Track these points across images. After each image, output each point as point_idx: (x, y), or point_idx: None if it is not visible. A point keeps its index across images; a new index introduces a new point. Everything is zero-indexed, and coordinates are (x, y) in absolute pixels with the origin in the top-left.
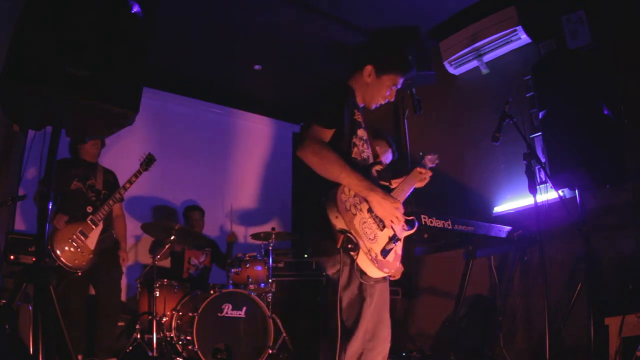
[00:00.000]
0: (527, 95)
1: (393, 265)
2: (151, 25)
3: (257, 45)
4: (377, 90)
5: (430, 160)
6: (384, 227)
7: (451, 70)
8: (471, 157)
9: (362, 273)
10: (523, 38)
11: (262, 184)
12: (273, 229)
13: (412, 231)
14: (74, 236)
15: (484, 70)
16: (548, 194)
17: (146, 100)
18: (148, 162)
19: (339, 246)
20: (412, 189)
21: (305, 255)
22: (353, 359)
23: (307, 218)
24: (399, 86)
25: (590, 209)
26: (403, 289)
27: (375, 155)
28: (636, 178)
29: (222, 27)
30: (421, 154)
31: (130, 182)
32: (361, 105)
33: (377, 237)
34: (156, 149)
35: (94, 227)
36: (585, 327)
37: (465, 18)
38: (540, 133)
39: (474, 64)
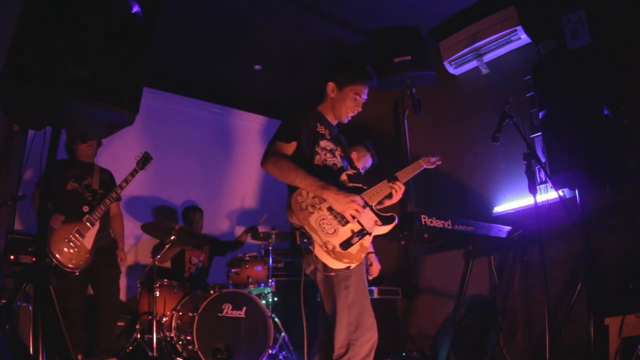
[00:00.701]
0: (527, 95)
1: (356, 257)
2: (151, 25)
3: (257, 45)
4: (343, 103)
5: (426, 161)
6: (346, 222)
7: (451, 70)
8: (471, 157)
9: (323, 265)
10: (523, 38)
11: (262, 183)
12: (273, 228)
13: (389, 227)
14: (71, 236)
15: (484, 70)
16: (548, 194)
17: (146, 100)
18: (144, 160)
19: (298, 242)
20: (387, 194)
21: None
22: (341, 351)
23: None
24: (365, 96)
25: (590, 209)
26: (403, 289)
27: (350, 163)
28: (636, 178)
29: (222, 27)
30: (418, 157)
31: (126, 180)
32: (335, 122)
33: (338, 231)
34: (156, 149)
35: (90, 226)
36: (585, 327)
37: (465, 18)
38: (540, 133)
39: (474, 64)
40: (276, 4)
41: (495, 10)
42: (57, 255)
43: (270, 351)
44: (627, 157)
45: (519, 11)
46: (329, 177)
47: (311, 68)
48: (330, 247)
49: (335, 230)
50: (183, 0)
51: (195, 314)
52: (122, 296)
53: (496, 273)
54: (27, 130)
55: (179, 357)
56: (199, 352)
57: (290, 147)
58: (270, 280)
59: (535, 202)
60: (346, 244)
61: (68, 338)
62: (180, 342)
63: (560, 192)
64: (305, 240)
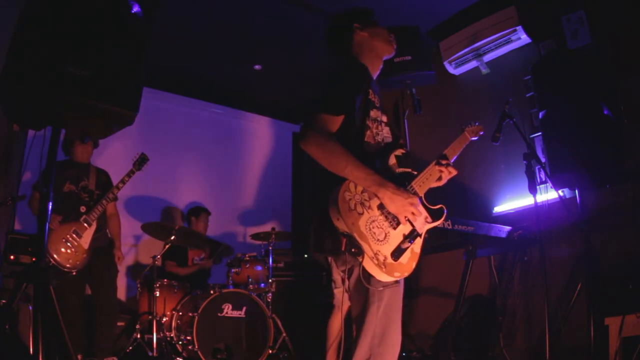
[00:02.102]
0: (527, 95)
1: (407, 268)
2: (151, 25)
3: (257, 45)
4: (377, 35)
5: (471, 131)
6: (398, 224)
7: (451, 70)
8: (471, 157)
9: (370, 277)
10: (523, 38)
11: (262, 184)
12: (273, 229)
13: (437, 223)
14: (68, 236)
15: (484, 70)
16: (548, 194)
17: (146, 100)
18: (141, 161)
19: (343, 249)
20: (436, 178)
21: (306, 255)
22: None
23: (315, 215)
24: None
25: (590, 209)
26: (403, 289)
27: (396, 137)
28: (636, 178)
29: (222, 27)
30: (462, 127)
31: (122, 181)
32: (376, 76)
33: (389, 236)
34: (156, 149)
35: (87, 226)
36: (585, 327)
37: (465, 18)
38: (540, 133)
39: (474, 64)
40: (276, 3)
41: (495, 10)
42: (55, 256)
43: (270, 351)
44: (627, 157)
45: (519, 11)
46: (379, 160)
47: (311, 68)
48: (381, 258)
49: (385, 236)
50: (183, 0)
51: (195, 314)
52: (122, 296)
53: (496, 273)
54: (27, 130)
55: (179, 357)
56: (199, 352)
57: (337, 121)
58: (270, 280)
59: (535, 202)
60: (397, 253)
61: (68, 338)
62: (180, 342)
63: (560, 192)
64: (353, 250)
